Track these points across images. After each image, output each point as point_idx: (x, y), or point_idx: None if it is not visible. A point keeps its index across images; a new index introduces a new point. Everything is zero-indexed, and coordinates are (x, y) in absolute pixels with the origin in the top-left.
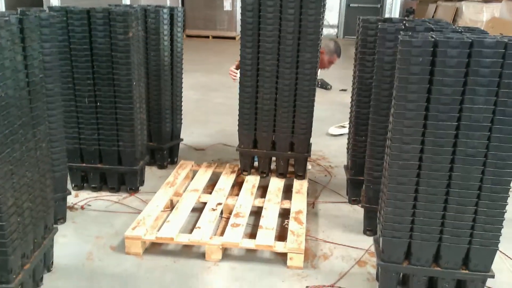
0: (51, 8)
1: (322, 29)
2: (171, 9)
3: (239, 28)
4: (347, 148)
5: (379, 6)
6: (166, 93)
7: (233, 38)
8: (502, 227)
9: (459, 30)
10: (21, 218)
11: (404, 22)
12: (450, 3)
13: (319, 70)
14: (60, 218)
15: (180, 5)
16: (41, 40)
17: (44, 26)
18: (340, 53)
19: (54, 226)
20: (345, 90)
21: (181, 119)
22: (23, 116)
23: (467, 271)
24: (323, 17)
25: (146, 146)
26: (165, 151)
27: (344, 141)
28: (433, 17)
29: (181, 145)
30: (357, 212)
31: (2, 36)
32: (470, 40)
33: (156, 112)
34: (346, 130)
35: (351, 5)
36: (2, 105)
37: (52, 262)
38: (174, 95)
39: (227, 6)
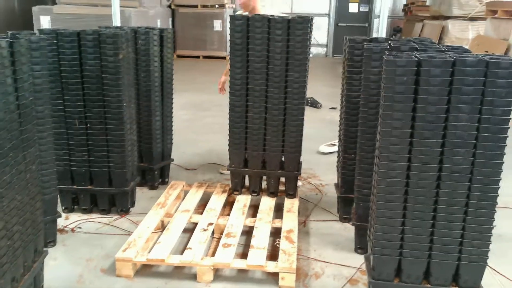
0: (41, 31)
1: (309, 49)
2: (161, 31)
3: (229, 48)
4: (337, 166)
5: (366, 25)
6: (156, 113)
7: (223, 57)
8: (490, 243)
9: (443, 49)
10: (11, 241)
11: (389, 42)
12: (436, 21)
13: (242, 11)
14: (50, 241)
15: (170, 26)
16: (31, 63)
17: (34, 49)
18: None
19: (44, 249)
20: (334, 108)
21: (171, 139)
22: (13, 139)
23: (457, 287)
24: (311, 37)
25: (137, 166)
26: (156, 171)
27: (334, 159)
28: (419, 35)
29: (172, 165)
30: (348, 230)
31: None
32: (453, 59)
33: (146, 132)
34: (336, 148)
35: (339, 24)
36: None
37: (43, 286)
38: (165, 116)
39: (217, 26)
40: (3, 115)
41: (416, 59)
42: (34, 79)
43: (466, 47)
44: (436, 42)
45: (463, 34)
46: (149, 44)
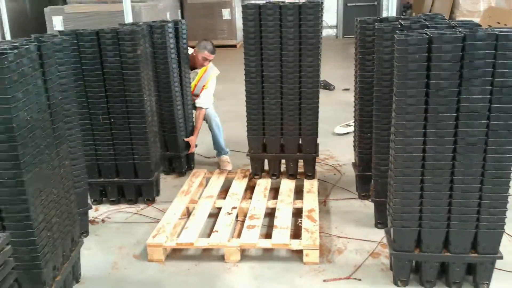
0: (61, 32)
1: (321, 32)
2: (175, 23)
3: (239, 36)
4: (354, 146)
5: (376, 3)
6: (177, 103)
7: (234, 46)
8: (507, 210)
9: (453, 25)
10: (50, 232)
11: (399, 21)
12: None
13: (197, 69)
14: (83, 232)
15: (179, 18)
16: (57, 64)
17: (58, 50)
18: (213, 50)
19: (80, 239)
20: (347, 89)
21: (193, 126)
22: (47, 137)
23: (476, 255)
24: (322, 21)
25: (163, 155)
26: (183, 159)
27: (350, 139)
28: (430, 10)
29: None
30: (368, 206)
31: (24, 63)
32: (463, 35)
33: (170, 122)
34: (351, 129)
35: (348, 4)
36: (28, 128)
37: (80, 273)
38: (185, 105)
39: (226, 15)
40: (37, 115)
41: (427, 36)
42: (60, 79)
43: (478, 19)
44: (447, 16)
45: (474, 7)
46: (165, 37)
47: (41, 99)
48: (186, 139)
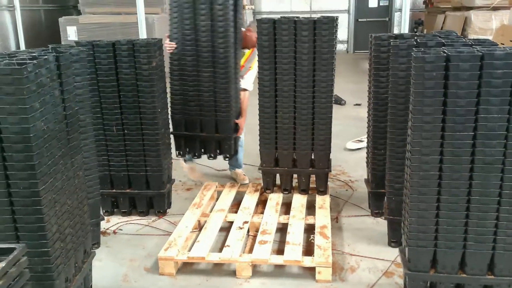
0: (78, 43)
1: (335, 48)
2: None
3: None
4: (367, 162)
5: (387, 19)
6: (233, 80)
7: None
8: None
9: (469, 43)
10: (63, 243)
11: (415, 38)
12: (458, 12)
13: (244, 49)
14: (95, 243)
15: None
16: (73, 74)
17: (75, 61)
18: None
19: (92, 250)
20: (359, 104)
21: (240, 108)
22: (62, 147)
23: (493, 276)
24: (336, 36)
25: (212, 137)
26: (233, 141)
27: (361, 155)
28: (442, 27)
29: (204, 167)
30: (381, 224)
31: (42, 74)
32: (481, 53)
33: (224, 102)
34: (363, 144)
35: (359, 20)
36: (44, 138)
37: (91, 286)
38: (237, 84)
39: None
40: (53, 125)
41: (445, 54)
42: (76, 89)
43: (490, 37)
44: (459, 34)
45: (486, 25)
46: (227, 9)
47: (57, 109)
48: (236, 121)
